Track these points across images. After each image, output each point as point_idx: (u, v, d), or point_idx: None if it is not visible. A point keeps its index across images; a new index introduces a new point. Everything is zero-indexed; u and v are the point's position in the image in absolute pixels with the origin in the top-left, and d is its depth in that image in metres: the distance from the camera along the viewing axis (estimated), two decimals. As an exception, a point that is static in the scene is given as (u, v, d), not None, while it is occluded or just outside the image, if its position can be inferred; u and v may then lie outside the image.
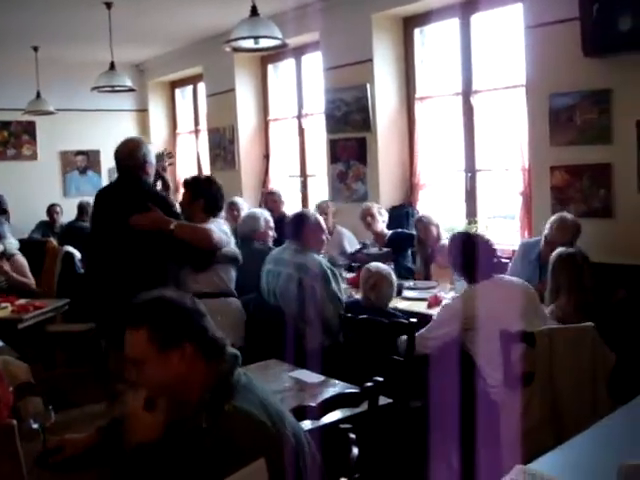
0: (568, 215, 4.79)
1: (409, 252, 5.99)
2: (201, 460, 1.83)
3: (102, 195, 4.32)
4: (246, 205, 7.12)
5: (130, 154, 4.17)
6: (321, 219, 4.90)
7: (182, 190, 4.55)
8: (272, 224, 5.51)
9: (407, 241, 5.98)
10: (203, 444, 1.84)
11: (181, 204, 4.43)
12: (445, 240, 5.38)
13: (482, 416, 3.49)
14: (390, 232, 6.11)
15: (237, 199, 7.24)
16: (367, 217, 6.10)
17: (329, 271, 4.53)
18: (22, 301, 5.57)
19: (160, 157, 5.65)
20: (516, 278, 4.13)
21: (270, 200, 7.13)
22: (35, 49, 8.47)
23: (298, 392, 3.13)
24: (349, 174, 7.09)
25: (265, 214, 5.57)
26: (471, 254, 3.86)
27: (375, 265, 4.48)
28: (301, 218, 4.80)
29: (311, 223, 4.73)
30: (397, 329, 4.00)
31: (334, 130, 7.17)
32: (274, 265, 4.74)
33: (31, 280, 6.20)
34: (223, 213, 5.21)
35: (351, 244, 6.43)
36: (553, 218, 4.79)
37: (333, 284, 4.50)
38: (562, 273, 3.89)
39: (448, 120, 6.54)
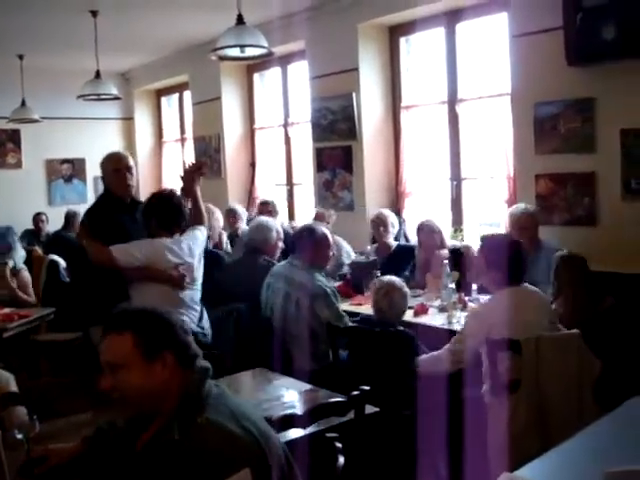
0: (519, 205, 5.02)
1: (411, 264, 5.77)
2: (176, 473, 1.82)
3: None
4: (245, 213, 7.08)
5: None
6: (329, 234, 4.69)
7: None
8: (282, 236, 5.26)
9: (410, 255, 5.78)
10: (176, 457, 1.83)
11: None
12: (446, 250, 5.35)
13: (469, 424, 3.49)
14: (396, 244, 5.95)
15: (236, 206, 7.23)
16: (380, 227, 5.91)
17: (329, 290, 4.41)
18: (6, 310, 5.52)
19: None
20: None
21: (265, 210, 6.87)
22: (20, 57, 8.44)
23: (285, 401, 3.13)
24: (335, 182, 7.10)
25: (277, 225, 5.31)
26: (517, 257, 3.70)
27: (387, 277, 4.29)
28: (308, 233, 4.60)
29: (318, 239, 4.54)
30: (387, 338, 3.97)
31: (320, 139, 7.18)
32: (275, 280, 4.60)
33: (32, 298, 6.13)
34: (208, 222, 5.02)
35: (348, 256, 6.20)
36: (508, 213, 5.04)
37: (334, 301, 4.39)
38: (564, 273, 3.88)
39: (434, 128, 6.57)
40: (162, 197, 4.20)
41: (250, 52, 4.83)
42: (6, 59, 8.37)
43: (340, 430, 2.56)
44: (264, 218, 5.59)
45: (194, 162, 4.55)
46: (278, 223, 5.51)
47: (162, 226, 4.05)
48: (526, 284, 3.73)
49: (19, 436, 2.43)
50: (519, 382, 3.37)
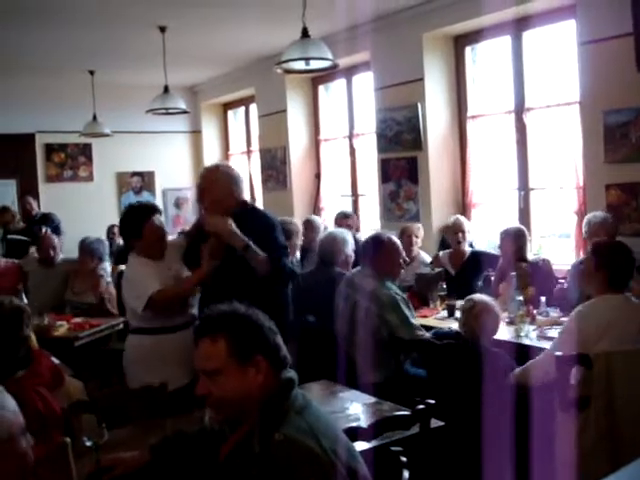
0: (597, 213, 4.91)
1: (484, 272, 5.68)
2: None
3: None
4: (321, 224, 6.99)
5: None
6: (397, 241, 4.62)
7: None
8: (354, 247, 5.23)
9: (487, 262, 5.65)
10: (253, 472, 1.84)
11: None
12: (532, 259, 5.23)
13: (537, 440, 3.41)
14: (470, 251, 5.84)
15: (314, 217, 7.14)
16: (459, 233, 5.81)
17: (397, 296, 4.37)
18: (78, 319, 5.66)
19: None
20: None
21: (345, 222, 6.73)
22: (91, 73, 8.68)
23: (350, 413, 3.11)
24: (400, 194, 7.06)
25: (350, 238, 5.28)
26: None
27: (479, 296, 4.10)
28: (376, 241, 4.57)
29: (386, 246, 4.49)
30: (449, 350, 3.94)
31: (385, 149, 7.17)
32: (345, 287, 4.59)
33: (115, 311, 6.11)
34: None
35: (425, 264, 6.12)
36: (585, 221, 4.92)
37: (403, 309, 4.33)
38: None
39: (501, 138, 6.48)
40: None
41: (315, 65, 4.85)
42: (78, 75, 8.62)
43: (405, 444, 2.54)
44: (336, 230, 5.60)
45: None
46: (349, 234, 5.43)
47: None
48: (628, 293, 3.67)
49: (88, 444, 2.48)
50: (589, 399, 3.28)
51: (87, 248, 6.35)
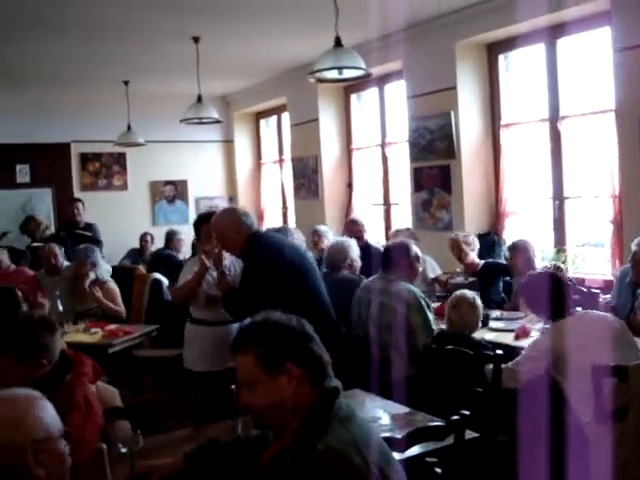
0: None
1: (500, 283, 5.83)
2: None
3: None
4: (330, 233, 7.11)
5: None
6: (418, 250, 4.84)
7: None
8: (359, 253, 5.43)
9: (499, 272, 5.84)
10: None
11: None
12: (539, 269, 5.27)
13: (572, 451, 3.37)
14: (482, 262, 5.93)
15: (320, 227, 7.26)
16: (454, 250, 5.95)
17: (422, 301, 4.52)
18: (112, 326, 5.70)
19: None
20: (602, 312, 4.05)
21: (354, 229, 6.90)
22: (126, 83, 8.79)
23: (383, 423, 3.10)
24: (433, 202, 7.03)
25: (353, 244, 5.48)
26: (557, 292, 3.79)
27: (460, 291, 4.47)
28: (404, 250, 4.74)
29: (411, 255, 4.71)
30: (483, 360, 3.92)
31: (418, 158, 7.14)
32: (366, 293, 4.72)
33: (121, 308, 6.30)
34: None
35: (432, 270, 6.27)
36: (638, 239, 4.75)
37: (427, 313, 4.50)
38: None
39: (535, 146, 6.43)
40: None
41: (348, 74, 4.86)
42: (112, 85, 8.73)
43: (439, 455, 2.51)
44: (342, 238, 5.87)
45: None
46: (353, 242, 5.59)
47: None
48: (584, 311, 3.97)
49: (123, 450, 2.50)
50: (626, 409, 3.23)
51: (78, 255, 6.44)
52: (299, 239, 6.53)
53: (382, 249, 5.42)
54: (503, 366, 3.84)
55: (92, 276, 6.33)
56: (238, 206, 5.06)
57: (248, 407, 1.99)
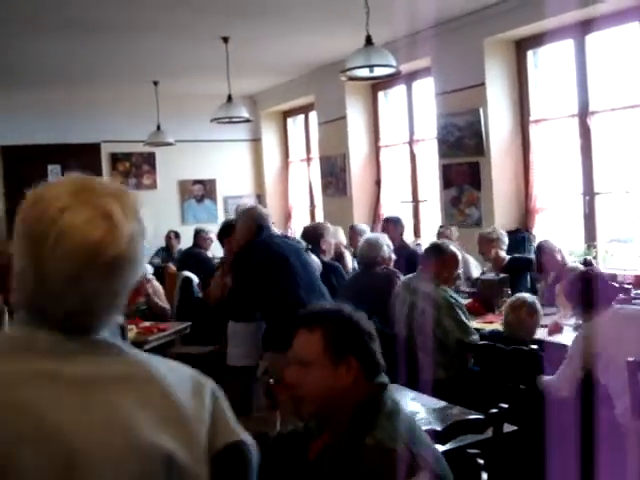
0: None
1: (527, 278, 5.83)
2: None
3: None
4: (366, 230, 7.15)
5: None
6: (459, 254, 4.80)
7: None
8: (392, 250, 5.42)
9: (525, 266, 5.84)
10: (343, 474, 1.87)
11: None
12: (571, 264, 5.27)
13: (607, 447, 3.37)
14: (508, 257, 5.95)
15: (359, 224, 7.35)
16: (481, 246, 5.99)
17: (454, 301, 4.50)
18: (146, 323, 5.79)
19: None
20: (637, 307, 4.04)
21: (390, 227, 6.90)
22: (155, 83, 8.88)
23: (420, 417, 3.13)
24: (462, 199, 7.04)
25: (386, 240, 5.47)
26: (588, 291, 3.78)
27: (521, 294, 4.43)
28: (435, 250, 4.75)
29: (447, 256, 4.66)
30: (517, 356, 3.92)
31: (447, 155, 7.15)
32: (402, 290, 4.74)
33: (167, 305, 6.39)
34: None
35: (476, 269, 6.30)
36: None
37: (459, 313, 4.47)
38: None
39: (564, 142, 6.42)
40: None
41: (379, 72, 4.90)
42: (142, 86, 8.82)
43: (480, 447, 2.54)
44: (373, 235, 5.90)
45: None
46: (386, 238, 5.59)
47: None
48: (619, 306, 3.90)
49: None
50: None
51: None
52: (337, 236, 6.60)
53: (417, 248, 5.47)
54: (548, 379, 3.82)
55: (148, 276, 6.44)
56: (260, 206, 5.13)
57: (296, 389, 2.01)
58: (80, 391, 1.17)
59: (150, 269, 6.95)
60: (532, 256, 5.99)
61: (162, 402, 1.23)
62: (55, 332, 1.20)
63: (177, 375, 1.29)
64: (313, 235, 5.78)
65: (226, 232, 5.06)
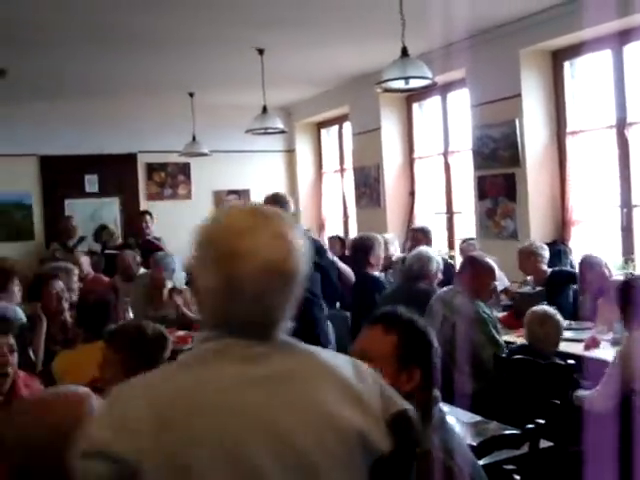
0: None
1: (570, 291, 5.73)
2: None
3: None
4: (397, 242, 7.19)
5: None
6: (494, 267, 4.74)
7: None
8: (442, 267, 5.37)
9: (568, 280, 5.74)
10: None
11: None
12: (616, 277, 5.20)
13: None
14: (550, 270, 5.86)
15: (386, 235, 7.35)
16: (531, 257, 5.86)
17: (486, 316, 4.47)
18: (181, 333, 5.82)
19: None
20: None
21: (418, 237, 7.05)
22: (191, 95, 8.95)
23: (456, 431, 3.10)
24: (497, 211, 6.98)
25: (438, 257, 5.43)
26: (629, 301, 3.73)
27: (541, 306, 4.38)
28: (471, 262, 4.75)
29: (482, 268, 4.64)
30: (553, 371, 3.88)
31: (482, 166, 7.11)
32: (434, 303, 4.73)
33: (197, 317, 6.46)
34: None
35: (501, 282, 6.22)
36: None
37: (490, 328, 4.44)
38: None
39: (602, 154, 6.34)
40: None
41: (414, 83, 4.89)
42: (178, 97, 8.90)
43: (516, 463, 2.52)
44: (425, 248, 5.74)
45: None
46: (437, 254, 5.55)
47: None
48: None
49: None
50: None
51: (157, 263, 6.61)
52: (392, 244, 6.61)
53: (447, 260, 5.43)
54: (586, 395, 3.77)
55: (169, 284, 6.49)
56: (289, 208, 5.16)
57: None
58: (278, 388, 1.33)
59: (185, 279, 7.02)
60: (573, 269, 5.91)
61: (342, 386, 1.38)
62: (244, 340, 1.35)
63: (340, 361, 1.45)
64: (361, 248, 5.75)
65: None
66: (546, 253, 5.90)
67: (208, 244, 1.41)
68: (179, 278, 6.90)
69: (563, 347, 4.58)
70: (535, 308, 4.33)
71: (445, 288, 4.85)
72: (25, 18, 5.52)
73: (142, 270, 7.13)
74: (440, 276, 5.31)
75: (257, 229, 1.36)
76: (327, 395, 1.35)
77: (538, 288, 5.55)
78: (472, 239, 6.98)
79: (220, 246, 1.38)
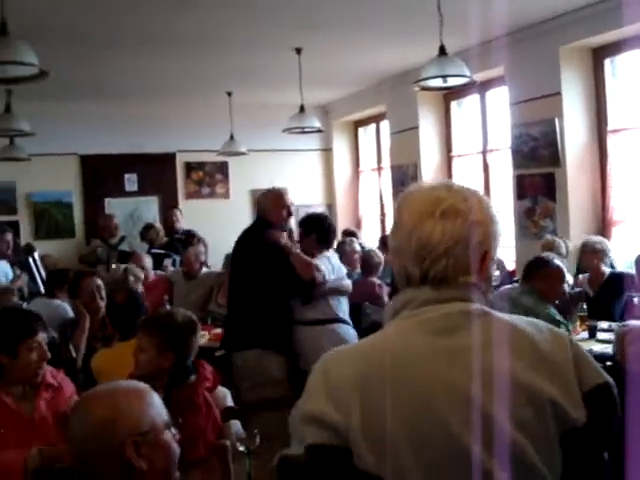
0: None
1: (625, 294, 5.48)
2: None
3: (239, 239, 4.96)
4: None
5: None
6: (564, 269, 4.68)
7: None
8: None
9: (626, 285, 5.49)
10: None
11: (298, 240, 5.07)
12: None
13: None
14: (608, 272, 5.68)
15: None
16: (598, 253, 5.70)
17: (560, 320, 4.38)
18: (218, 330, 5.87)
19: None
20: None
21: None
22: (229, 94, 9.01)
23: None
24: (537, 210, 6.90)
25: None
26: None
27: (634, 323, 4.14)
28: (541, 262, 4.69)
29: (550, 270, 4.59)
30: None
31: (521, 165, 7.04)
32: (498, 300, 4.60)
33: None
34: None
35: None
36: None
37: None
38: None
39: (644, 153, 6.24)
40: (321, 217, 4.93)
41: (452, 82, 4.87)
42: (216, 96, 8.96)
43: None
44: None
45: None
46: None
47: (321, 241, 4.70)
48: None
49: (241, 448, 2.58)
50: None
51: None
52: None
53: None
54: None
55: None
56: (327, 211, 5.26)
57: None
58: (470, 357, 1.37)
59: None
60: (632, 272, 5.75)
61: (533, 352, 1.41)
62: (434, 296, 1.44)
63: (536, 328, 1.47)
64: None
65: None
66: (610, 254, 5.76)
67: (407, 208, 1.51)
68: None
69: (601, 349, 4.45)
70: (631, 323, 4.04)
71: (509, 286, 4.85)
72: (66, 21, 5.61)
73: (204, 269, 7.16)
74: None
75: (452, 197, 1.48)
76: (514, 361, 1.39)
77: (577, 289, 5.44)
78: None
79: (422, 208, 1.47)
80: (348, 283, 5.02)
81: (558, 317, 4.40)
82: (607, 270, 5.71)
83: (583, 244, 5.83)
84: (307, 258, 4.61)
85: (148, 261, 7.34)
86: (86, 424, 1.76)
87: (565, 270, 4.67)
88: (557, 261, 4.67)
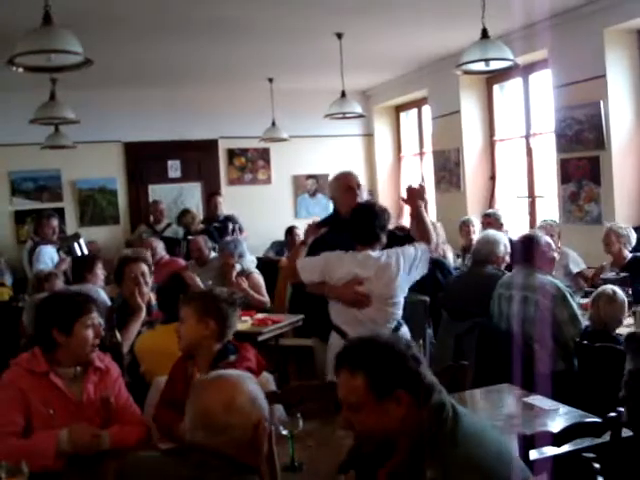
0: None
1: None
2: None
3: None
4: (478, 224, 7.24)
5: None
6: (549, 239, 4.85)
7: None
8: (509, 250, 5.29)
9: None
10: None
11: None
12: None
13: None
14: (631, 255, 5.72)
15: (470, 217, 7.57)
16: (612, 236, 5.76)
17: (567, 292, 4.47)
18: (260, 315, 5.94)
19: None
20: None
21: (488, 222, 7.24)
22: (270, 80, 9.04)
23: (532, 418, 3.07)
24: (581, 195, 6.81)
25: (505, 239, 5.37)
26: None
27: (602, 287, 4.38)
28: (530, 240, 4.77)
29: (541, 245, 4.69)
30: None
31: (565, 149, 6.94)
32: (505, 289, 4.73)
33: (266, 298, 6.55)
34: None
35: (575, 264, 6.25)
36: None
37: (573, 305, 4.43)
38: None
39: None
40: (358, 211, 4.24)
41: (495, 65, 4.81)
42: (258, 83, 9.00)
43: (596, 451, 2.48)
44: (492, 231, 5.76)
45: (414, 187, 4.49)
46: (504, 236, 5.53)
47: (356, 239, 4.12)
48: None
49: (284, 432, 2.61)
50: None
51: (224, 248, 6.79)
52: (439, 233, 6.62)
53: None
54: None
55: (238, 267, 6.62)
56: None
57: (350, 428, 1.98)
58: None
59: (253, 262, 7.14)
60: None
61: None
62: None
63: None
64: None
65: None
66: (633, 240, 5.76)
67: None
68: (247, 261, 7.00)
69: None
70: (599, 289, 4.34)
71: (509, 273, 4.87)
72: (109, 8, 5.68)
73: (213, 254, 7.29)
74: (508, 259, 5.27)
75: None
76: None
77: (623, 274, 5.39)
78: (552, 220, 6.85)
79: None
80: None
81: (564, 287, 4.56)
82: (629, 254, 5.73)
83: (607, 229, 5.82)
84: None
85: (159, 243, 7.52)
86: (229, 399, 1.90)
87: (550, 240, 4.90)
88: (542, 235, 4.92)
